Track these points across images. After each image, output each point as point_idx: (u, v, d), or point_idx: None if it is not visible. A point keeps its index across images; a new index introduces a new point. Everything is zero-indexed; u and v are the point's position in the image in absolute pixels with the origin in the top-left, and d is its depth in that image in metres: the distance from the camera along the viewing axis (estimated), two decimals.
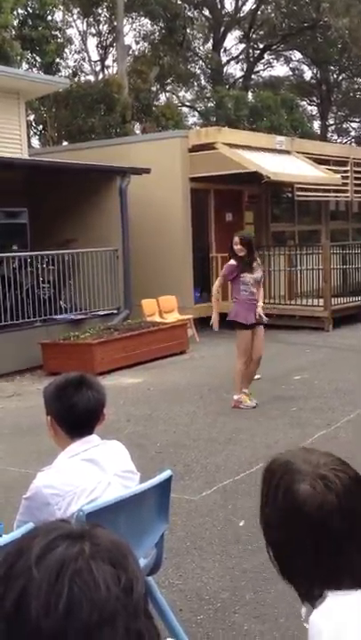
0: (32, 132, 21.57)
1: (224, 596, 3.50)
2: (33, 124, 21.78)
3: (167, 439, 6.29)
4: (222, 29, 27.79)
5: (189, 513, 4.52)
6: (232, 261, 7.33)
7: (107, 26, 25.70)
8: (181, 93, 29.94)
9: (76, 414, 2.45)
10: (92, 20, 25.60)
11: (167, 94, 28.84)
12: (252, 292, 7.26)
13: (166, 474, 2.73)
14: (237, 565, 3.81)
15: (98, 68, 26.87)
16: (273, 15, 26.04)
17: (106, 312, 11.32)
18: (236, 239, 7.31)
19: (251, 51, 28.77)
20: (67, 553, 0.76)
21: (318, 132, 29.66)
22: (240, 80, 28.79)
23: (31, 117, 21.47)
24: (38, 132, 22.36)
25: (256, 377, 7.84)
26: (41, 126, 21.71)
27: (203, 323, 11.78)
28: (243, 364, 7.31)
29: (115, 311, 11.52)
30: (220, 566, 3.81)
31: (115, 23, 22.05)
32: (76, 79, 22.12)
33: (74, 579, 0.74)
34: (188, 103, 29.77)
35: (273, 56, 30.15)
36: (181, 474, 5.14)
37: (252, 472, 5.28)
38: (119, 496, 2.43)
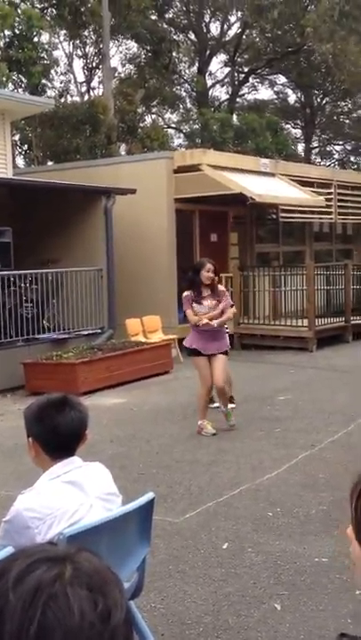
0: (17, 152, 21.62)
1: (206, 621, 3.45)
2: (18, 143, 21.84)
3: (150, 460, 6.24)
4: (208, 53, 28.13)
5: (172, 535, 4.47)
6: (187, 292, 7.20)
7: (93, 48, 25.92)
8: (167, 115, 30.22)
9: (57, 436, 2.41)
10: (78, 42, 25.82)
11: (153, 116, 29.08)
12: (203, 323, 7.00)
13: (149, 496, 2.70)
14: (220, 589, 3.77)
15: (84, 90, 27.05)
16: (258, 40, 26.42)
17: (89, 332, 11.28)
18: (210, 266, 7.07)
19: (236, 74, 29.12)
20: (44, 577, 0.75)
21: (302, 154, 30.01)
22: (225, 103, 29.10)
23: (16, 137, 21.54)
24: (23, 152, 22.41)
25: (230, 406, 7.52)
26: (26, 146, 21.77)
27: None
28: (202, 389, 7.19)
29: (98, 331, 11.48)
30: (202, 590, 3.76)
31: (101, 46, 22.23)
32: (62, 100, 22.26)
33: (48, 603, 0.72)
34: (173, 125, 30.02)
35: (258, 80, 30.54)
36: (164, 496, 5.09)
37: (236, 494, 5.25)
38: (101, 519, 2.39)
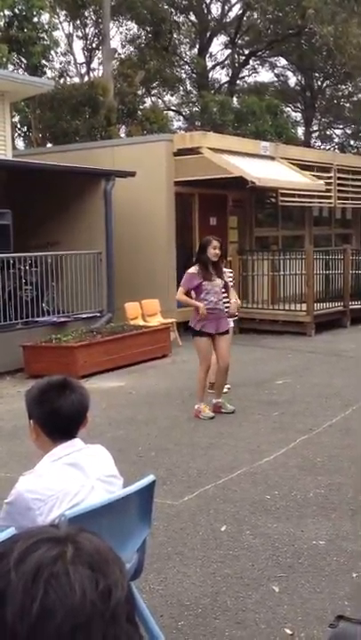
0: (16, 134, 21.49)
1: (205, 602, 3.48)
2: (17, 125, 21.70)
3: (149, 443, 6.27)
4: (208, 34, 27.89)
5: (171, 518, 4.50)
6: (193, 269, 7.01)
7: (93, 29, 25.69)
8: (167, 97, 30.02)
9: (59, 418, 2.42)
10: (78, 22, 25.58)
11: (153, 98, 28.88)
12: (213, 302, 6.97)
13: (150, 478, 2.71)
14: (218, 571, 3.80)
15: (83, 71, 26.86)
16: (259, 21, 26.18)
17: (89, 315, 11.28)
18: (217, 243, 6.96)
19: (236, 56, 28.88)
20: (45, 556, 0.76)
21: (302, 138, 29.84)
22: (225, 85, 28.89)
23: (16, 119, 21.40)
24: (23, 134, 22.27)
25: (225, 388, 7.61)
26: (25, 128, 21.64)
27: (186, 327, 11.79)
28: (203, 371, 7.14)
29: (98, 314, 11.48)
30: (201, 572, 3.80)
31: (101, 26, 22.02)
32: (61, 81, 22.08)
33: (50, 582, 0.73)
34: (173, 107, 29.82)
35: (258, 62, 30.30)
36: (163, 478, 5.12)
37: (234, 477, 5.28)
38: (102, 501, 2.41)
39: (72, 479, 2.38)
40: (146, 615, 2.82)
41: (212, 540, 4.19)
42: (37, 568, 0.74)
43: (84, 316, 11.22)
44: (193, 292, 7.07)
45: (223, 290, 7.23)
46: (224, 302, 7.29)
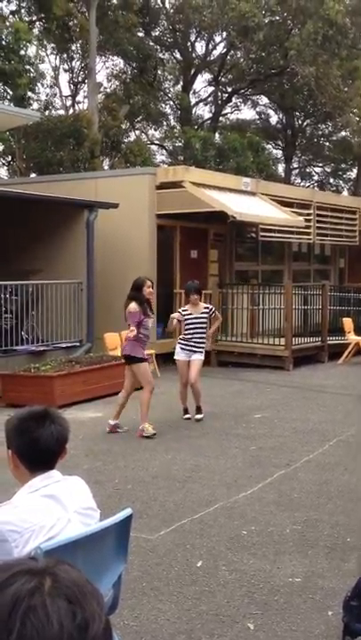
0: (0, 163, 21.58)
1: (180, 639, 3.43)
2: (1, 154, 21.81)
3: (126, 475, 6.22)
4: (192, 72, 28.39)
5: (146, 552, 4.45)
6: (134, 307, 7.67)
7: (79, 62, 26.04)
8: (151, 132, 30.39)
9: (38, 449, 2.41)
10: (65, 56, 25.93)
11: (137, 132, 29.22)
12: (147, 336, 7.90)
13: (127, 512, 2.69)
14: (194, 607, 3.76)
15: (69, 103, 27.15)
16: (242, 60, 26.72)
17: (68, 344, 11.24)
18: (150, 283, 7.88)
19: (219, 94, 29.41)
20: (22, 589, 0.75)
21: (283, 175, 30.32)
22: (208, 121, 29.35)
23: (0, 148, 21.52)
24: (7, 163, 22.37)
25: (198, 416, 8.38)
26: (10, 157, 21.74)
27: (164, 358, 11.79)
28: (149, 392, 7.75)
29: (77, 344, 11.45)
30: (176, 608, 3.75)
31: (87, 60, 22.35)
32: (47, 113, 22.29)
33: (27, 614, 0.73)
34: (156, 141, 30.19)
35: (240, 100, 30.87)
36: (140, 512, 5.08)
37: (211, 511, 5.25)
38: (79, 534, 2.38)
39: (49, 511, 2.36)
40: None
41: (188, 575, 4.15)
42: (15, 601, 0.74)
43: (64, 345, 11.18)
44: (133, 326, 7.74)
45: (202, 322, 8.38)
46: (200, 335, 8.43)
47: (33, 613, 0.73)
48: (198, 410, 8.49)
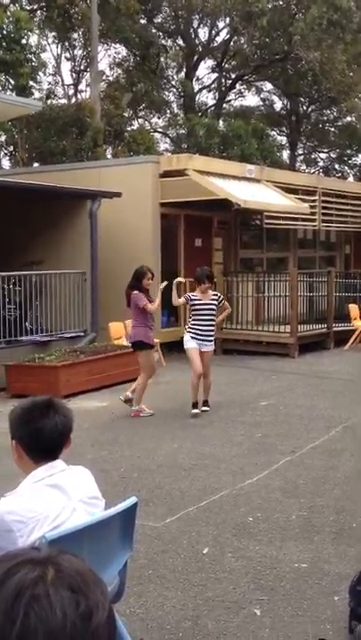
0: (2, 153, 21.55)
1: (186, 626, 3.45)
2: (4, 144, 21.77)
3: (131, 464, 6.24)
4: (195, 58, 28.22)
5: (152, 540, 4.47)
6: (137, 293, 8.04)
7: (81, 51, 25.91)
8: (154, 120, 30.26)
9: (42, 439, 2.41)
10: (66, 44, 25.79)
11: (140, 120, 29.10)
12: (152, 318, 8.27)
13: (132, 500, 2.70)
14: (200, 594, 3.78)
15: (71, 92, 27.04)
16: (245, 46, 26.54)
17: (72, 334, 11.25)
18: (150, 274, 8.12)
19: (223, 80, 29.23)
20: (25, 578, 0.76)
21: (287, 161, 30.17)
22: (212, 108, 29.19)
23: (2, 138, 21.47)
24: (9, 154, 22.33)
25: (204, 408, 8.26)
26: (12, 147, 21.69)
27: (169, 347, 11.80)
28: (147, 379, 8.17)
29: (81, 334, 11.46)
30: (182, 595, 3.77)
31: (89, 49, 22.23)
32: (49, 102, 22.21)
33: (31, 604, 0.74)
34: (160, 129, 30.06)
35: (244, 86, 30.67)
36: (145, 500, 5.10)
37: (216, 499, 5.26)
38: (83, 523, 2.39)
39: (53, 501, 2.37)
40: (126, 638, 2.79)
41: (194, 562, 4.17)
42: (18, 590, 0.75)
43: (68, 335, 11.19)
44: (139, 313, 8.05)
45: (212, 309, 8.19)
46: (209, 323, 8.21)
47: (36, 603, 0.74)
48: (205, 403, 8.29)
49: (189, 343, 8.14)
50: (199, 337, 8.12)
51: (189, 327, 8.27)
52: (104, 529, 2.54)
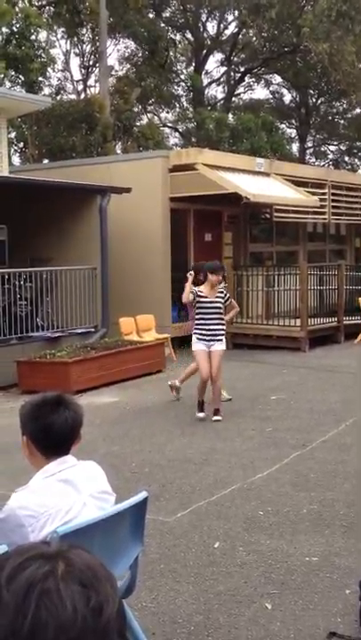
0: (13, 150, 21.57)
1: (197, 620, 3.48)
2: (14, 141, 21.80)
3: (142, 459, 6.27)
4: (204, 52, 28.13)
5: (163, 534, 4.50)
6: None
7: (90, 46, 25.89)
8: (163, 114, 30.21)
9: (52, 434, 2.43)
10: (75, 40, 25.77)
11: (149, 115, 29.06)
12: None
13: (142, 495, 2.72)
14: (211, 588, 3.80)
15: (80, 88, 27.03)
16: (254, 39, 26.42)
17: (83, 330, 11.29)
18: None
19: (232, 73, 29.13)
20: (36, 573, 0.77)
21: (297, 154, 30.04)
22: (221, 102, 29.11)
23: (12, 135, 21.49)
24: (19, 150, 22.37)
25: (216, 418, 7.58)
26: (22, 144, 21.73)
27: (180, 342, 11.81)
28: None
29: (92, 329, 11.49)
30: (193, 589, 3.79)
31: (98, 44, 22.21)
32: (58, 98, 22.22)
33: (41, 598, 0.74)
34: (169, 124, 30.01)
35: (253, 79, 30.55)
36: (156, 494, 5.12)
37: (227, 493, 5.28)
38: (94, 517, 2.42)
39: (64, 496, 2.39)
40: (137, 632, 2.82)
41: (205, 556, 4.19)
42: (29, 585, 0.76)
43: (79, 331, 11.22)
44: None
45: (218, 307, 7.77)
46: (217, 321, 7.77)
47: (47, 597, 0.75)
48: (216, 412, 7.59)
49: (196, 345, 7.71)
50: (207, 337, 7.61)
51: (195, 328, 7.76)
52: (115, 523, 2.56)
